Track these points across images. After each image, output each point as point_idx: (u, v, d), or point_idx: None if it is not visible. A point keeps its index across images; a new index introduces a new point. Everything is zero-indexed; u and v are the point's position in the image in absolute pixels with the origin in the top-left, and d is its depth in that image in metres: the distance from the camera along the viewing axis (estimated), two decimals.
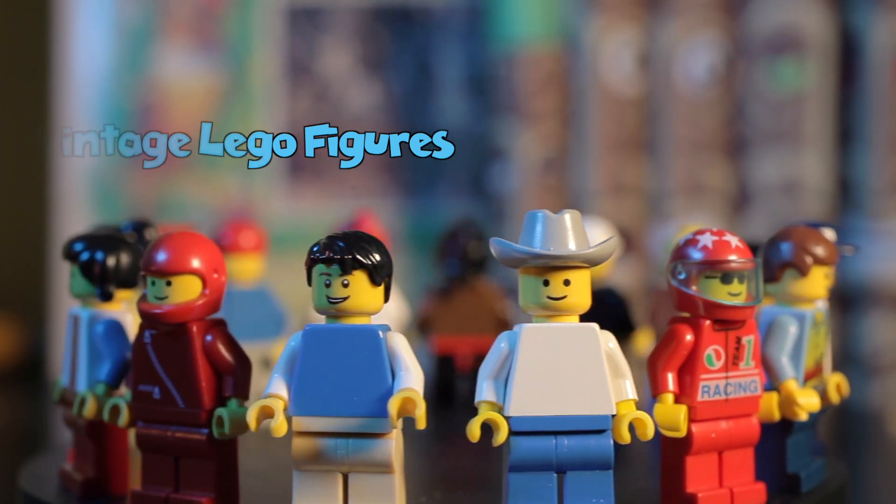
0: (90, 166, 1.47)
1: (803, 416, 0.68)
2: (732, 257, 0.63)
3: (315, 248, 0.61)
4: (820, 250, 0.70)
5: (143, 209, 1.43)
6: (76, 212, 1.46)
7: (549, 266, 0.60)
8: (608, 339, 0.61)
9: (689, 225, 0.92)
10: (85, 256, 0.69)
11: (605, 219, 1.25)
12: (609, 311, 0.95)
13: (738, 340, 0.64)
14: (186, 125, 1.48)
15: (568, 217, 0.61)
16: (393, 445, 0.60)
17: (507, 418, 0.60)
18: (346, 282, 0.60)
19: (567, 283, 0.60)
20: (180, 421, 0.63)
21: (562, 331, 0.61)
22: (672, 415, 0.63)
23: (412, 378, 0.60)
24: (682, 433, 0.63)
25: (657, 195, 1.37)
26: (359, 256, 0.60)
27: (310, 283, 0.61)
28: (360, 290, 0.60)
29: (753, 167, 1.35)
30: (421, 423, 0.59)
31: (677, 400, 0.64)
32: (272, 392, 0.61)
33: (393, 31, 1.48)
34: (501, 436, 0.60)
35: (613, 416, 0.61)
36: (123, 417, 0.65)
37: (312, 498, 0.61)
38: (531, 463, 0.60)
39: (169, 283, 0.63)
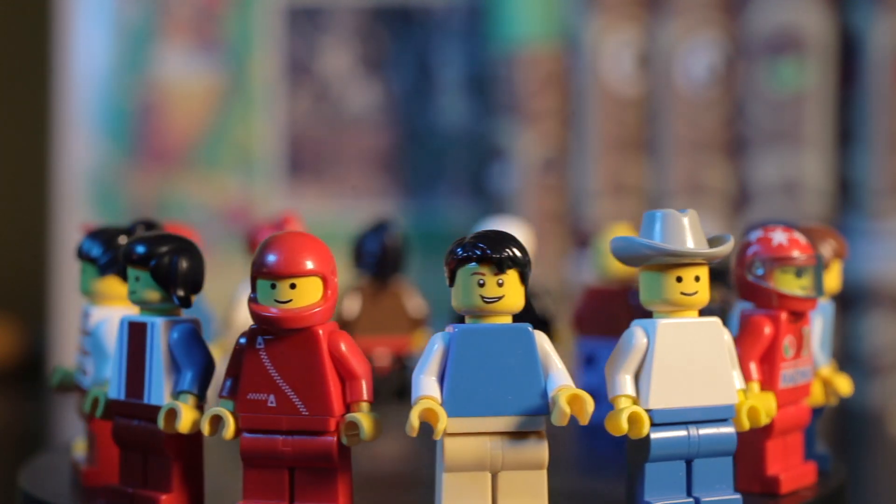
0: (90, 166, 1.47)
1: (834, 400, 0.72)
2: (804, 253, 0.67)
3: (460, 249, 0.60)
4: (835, 244, 0.74)
5: (143, 209, 1.43)
6: (76, 211, 1.46)
7: (679, 263, 0.61)
8: (725, 332, 0.63)
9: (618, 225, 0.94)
10: (156, 261, 0.63)
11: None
12: (530, 305, 0.96)
13: (801, 330, 0.67)
14: (186, 125, 1.48)
15: (687, 216, 0.62)
16: (546, 443, 0.60)
17: (648, 411, 0.61)
18: (500, 281, 0.60)
19: (698, 279, 0.62)
20: (303, 429, 0.60)
21: (694, 325, 0.63)
22: (765, 402, 0.65)
23: (565, 376, 0.60)
24: (770, 420, 0.65)
25: (657, 195, 1.37)
26: (513, 255, 0.60)
27: (451, 284, 0.61)
28: (512, 288, 0.60)
29: (753, 167, 1.35)
30: (585, 420, 0.59)
31: (761, 388, 0.66)
32: (426, 394, 0.59)
33: (393, 31, 1.48)
34: (645, 429, 0.61)
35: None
36: (229, 428, 0.61)
37: (463, 499, 0.60)
38: (669, 453, 0.62)
39: (293, 286, 0.60)
